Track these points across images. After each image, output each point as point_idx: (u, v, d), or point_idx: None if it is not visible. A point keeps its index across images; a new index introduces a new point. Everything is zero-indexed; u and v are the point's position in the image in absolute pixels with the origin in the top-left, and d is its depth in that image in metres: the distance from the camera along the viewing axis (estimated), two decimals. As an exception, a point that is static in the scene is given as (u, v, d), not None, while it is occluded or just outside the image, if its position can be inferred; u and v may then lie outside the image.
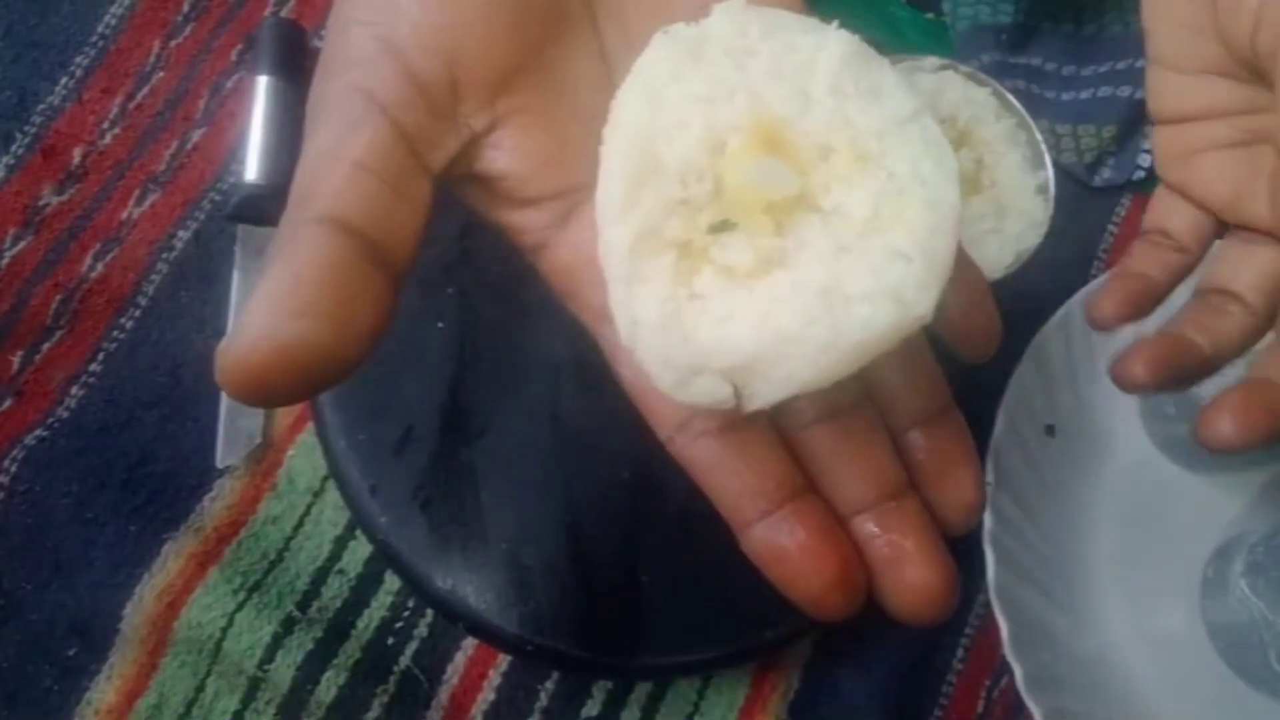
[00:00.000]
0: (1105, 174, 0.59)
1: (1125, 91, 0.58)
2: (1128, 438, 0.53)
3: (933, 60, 0.39)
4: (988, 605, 0.47)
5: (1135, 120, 0.58)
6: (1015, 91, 0.59)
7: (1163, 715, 0.49)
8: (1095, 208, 0.59)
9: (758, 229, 0.24)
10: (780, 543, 0.26)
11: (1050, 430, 0.52)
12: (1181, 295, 0.44)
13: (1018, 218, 0.39)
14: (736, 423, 0.26)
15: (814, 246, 0.24)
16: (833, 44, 0.25)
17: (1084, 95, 0.59)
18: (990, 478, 0.48)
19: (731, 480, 0.26)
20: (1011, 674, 0.46)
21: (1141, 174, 0.58)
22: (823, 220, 0.24)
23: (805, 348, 0.23)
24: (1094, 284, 0.52)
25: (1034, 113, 0.59)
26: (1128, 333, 0.53)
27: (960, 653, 0.51)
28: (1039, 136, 0.41)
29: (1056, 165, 0.58)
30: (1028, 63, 0.59)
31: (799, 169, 0.25)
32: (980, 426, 0.50)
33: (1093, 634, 0.50)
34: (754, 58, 0.25)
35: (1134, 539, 0.52)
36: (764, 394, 0.24)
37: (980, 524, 0.48)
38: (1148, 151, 0.58)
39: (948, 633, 0.51)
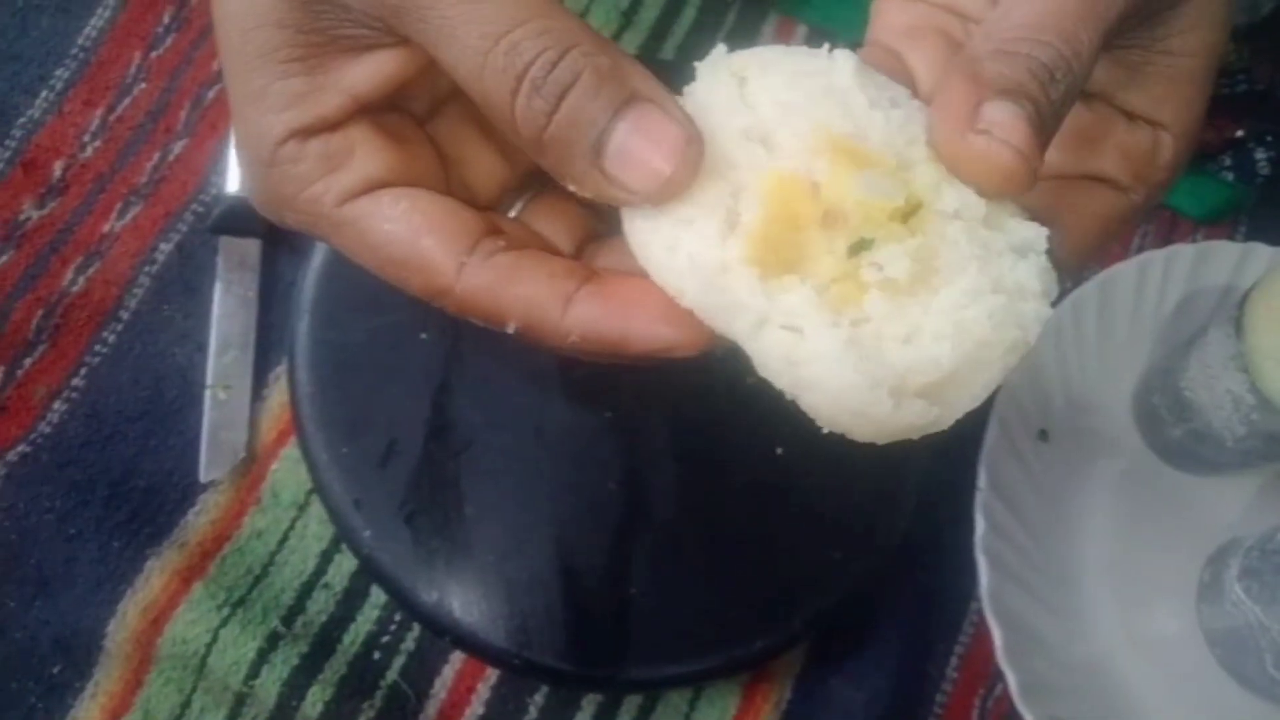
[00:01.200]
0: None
1: None
2: (1122, 442, 0.53)
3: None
4: (981, 613, 0.47)
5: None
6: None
7: (1159, 722, 0.49)
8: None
9: (895, 237, 0.25)
10: (607, 303, 0.27)
11: (1043, 435, 0.52)
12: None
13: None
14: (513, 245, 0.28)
15: (958, 248, 0.25)
16: (840, 61, 0.26)
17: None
18: (983, 484, 0.48)
19: (539, 271, 0.27)
20: (1005, 682, 0.46)
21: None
22: (946, 222, 0.25)
23: (998, 350, 0.24)
24: (1085, 287, 0.52)
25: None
26: (1123, 334, 0.53)
27: (954, 661, 0.50)
28: None
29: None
30: None
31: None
32: (973, 431, 0.50)
33: (1087, 641, 0.50)
34: (769, 91, 0.25)
35: (1128, 544, 0.51)
36: (961, 405, 0.24)
37: (973, 531, 0.47)
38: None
39: (941, 641, 0.51)
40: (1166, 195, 0.32)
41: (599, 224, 0.32)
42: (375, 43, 0.27)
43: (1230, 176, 0.59)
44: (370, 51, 0.27)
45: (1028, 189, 0.25)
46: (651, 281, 0.26)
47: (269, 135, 0.27)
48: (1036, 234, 0.26)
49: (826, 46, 0.27)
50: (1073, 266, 0.31)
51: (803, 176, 0.25)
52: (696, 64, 0.27)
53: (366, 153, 0.28)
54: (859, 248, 0.25)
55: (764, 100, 0.25)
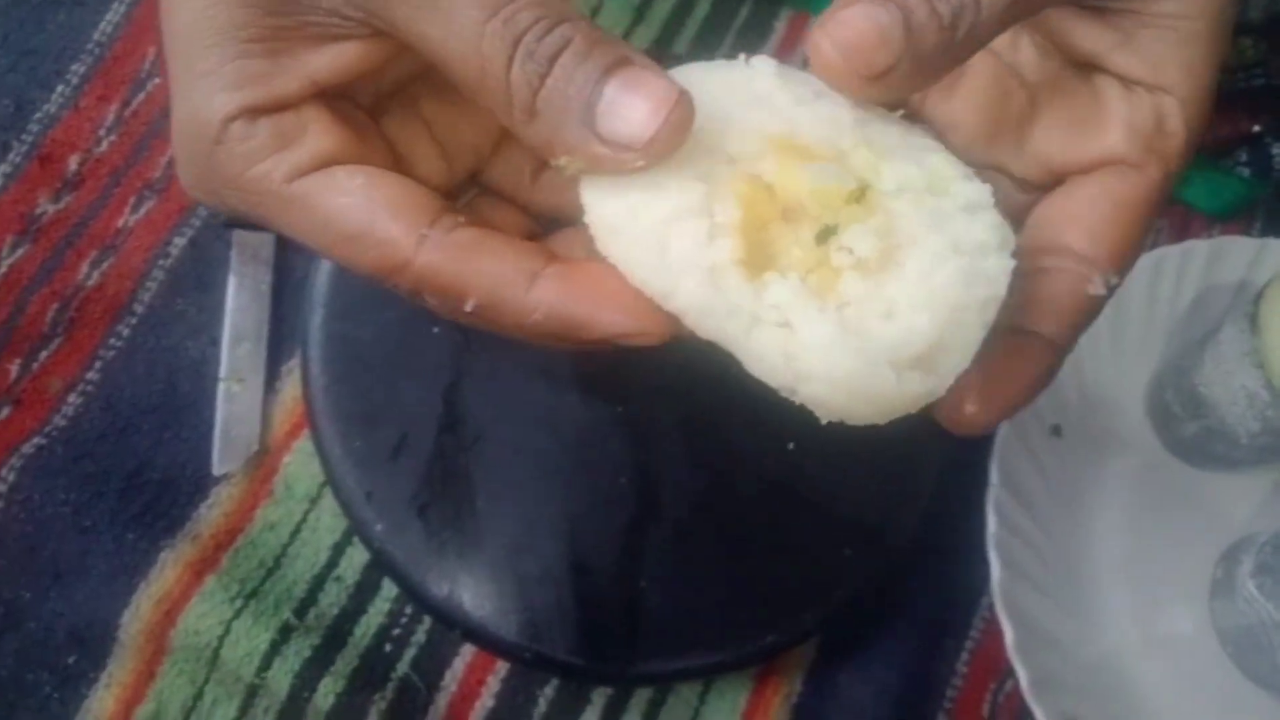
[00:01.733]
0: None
1: None
2: (1135, 438, 0.53)
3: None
4: (992, 609, 0.47)
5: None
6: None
7: (1170, 719, 0.48)
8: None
9: (855, 219, 0.25)
10: (574, 285, 0.27)
11: (1056, 431, 0.51)
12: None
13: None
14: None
15: (911, 220, 0.25)
16: (759, 66, 0.27)
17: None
18: (995, 480, 0.48)
19: (503, 248, 0.27)
20: (1016, 678, 0.45)
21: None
22: (893, 198, 0.26)
23: (973, 310, 0.25)
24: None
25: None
26: (1137, 330, 0.53)
27: (965, 656, 0.50)
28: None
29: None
30: None
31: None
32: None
33: (1099, 637, 0.50)
34: (703, 107, 0.26)
35: (1141, 541, 0.51)
36: (950, 369, 0.25)
37: (984, 527, 0.47)
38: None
39: (952, 636, 0.51)
40: (1183, 166, 0.30)
41: (536, 228, 0.32)
42: (344, 34, 0.27)
43: (1246, 172, 0.58)
44: (336, 41, 0.27)
45: (892, 85, 0.25)
46: (614, 268, 0.26)
47: (217, 112, 0.26)
48: (979, 191, 0.26)
49: (743, 56, 0.27)
50: (1119, 269, 0.29)
51: (757, 177, 0.26)
52: None
53: (319, 131, 0.27)
54: (825, 235, 0.25)
55: (701, 114, 0.25)
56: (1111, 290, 0.29)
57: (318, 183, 0.27)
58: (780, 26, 0.58)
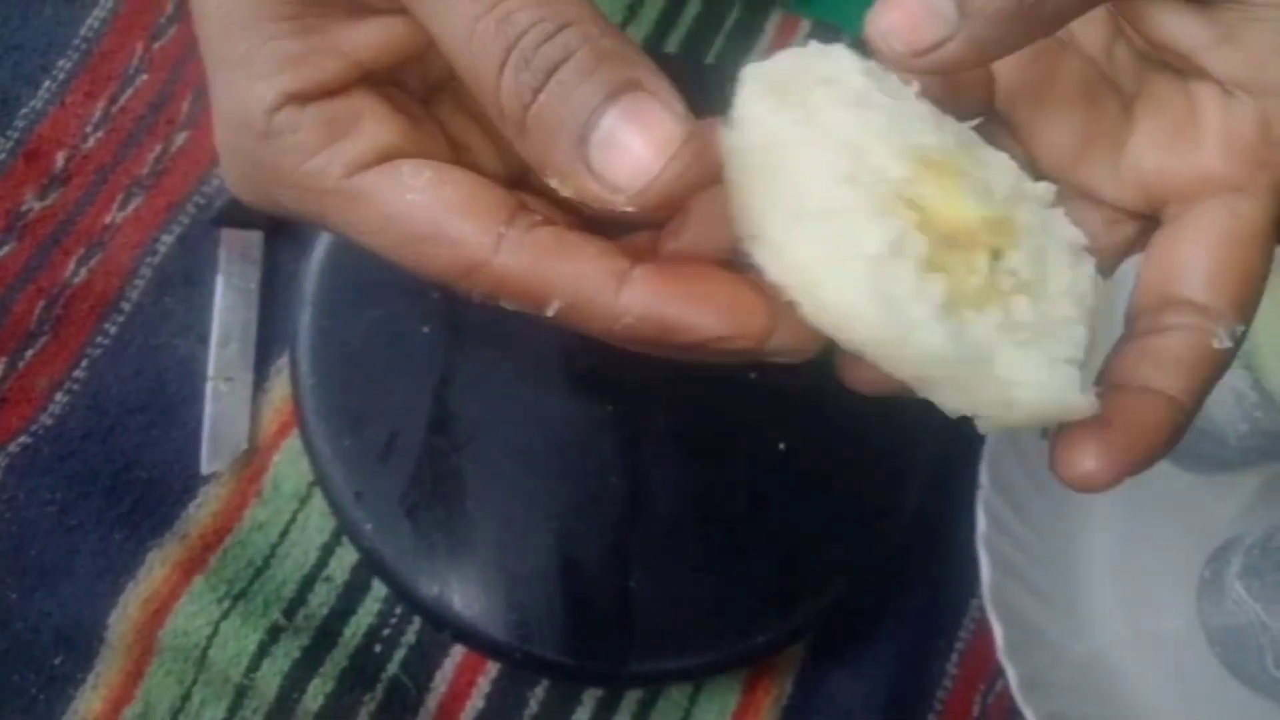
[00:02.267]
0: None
1: None
2: (1123, 438, 0.53)
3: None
4: (982, 609, 0.47)
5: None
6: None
7: (1159, 719, 0.49)
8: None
9: (1012, 243, 0.25)
10: (669, 284, 0.24)
11: (1046, 433, 0.51)
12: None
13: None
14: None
15: (1034, 234, 0.26)
16: (842, 60, 0.25)
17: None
18: (985, 481, 0.48)
19: (587, 247, 0.24)
20: (1006, 678, 0.46)
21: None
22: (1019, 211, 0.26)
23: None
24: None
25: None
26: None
27: (955, 657, 0.51)
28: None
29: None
30: None
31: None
32: (976, 428, 0.50)
33: (1088, 637, 0.50)
34: (834, 112, 0.24)
35: (1129, 541, 0.51)
36: (1092, 368, 0.26)
37: (974, 527, 0.47)
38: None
39: (942, 637, 0.51)
40: None
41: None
42: (376, 7, 0.25)
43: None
44: (372, 16, 0.25)
45: (948, 60, 0.24)
46: (713, 265, 0.24)
47: (260, 102, 0.24)
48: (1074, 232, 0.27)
49: (813, 44, 0.26)
50: (1241, 316, 0.26)
51: (915, 200, 0.24)
52: (741, 70, 0.25)
53: (374, 120, 0.25)
54: (993, 258, 0.24)
55: (834, 121, 0.24)
56: (1240, 338, 0.26)
57: (381, 178, 0.24)
58: (771, 27, 0.58)
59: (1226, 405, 0.47)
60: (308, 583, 0.48)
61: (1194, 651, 0.50)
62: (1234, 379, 0.46)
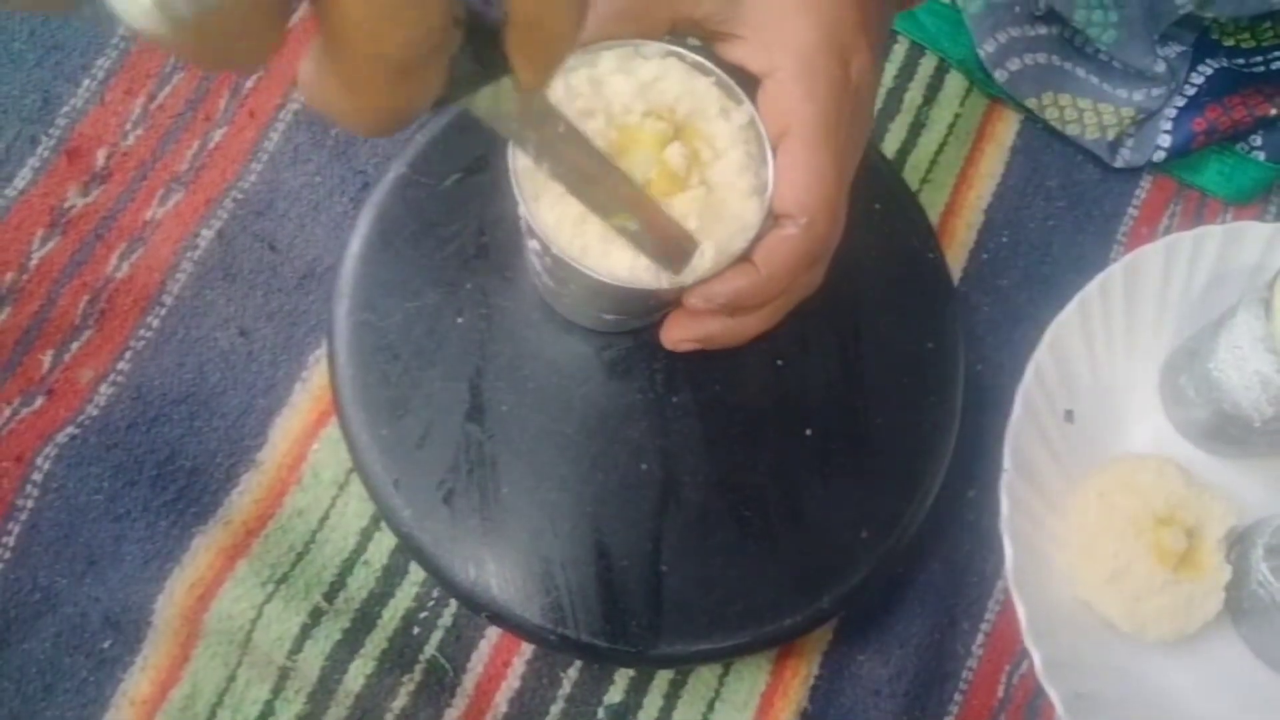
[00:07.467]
0: (1125, 155, 0.59)
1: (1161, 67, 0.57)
2: (1147, 422, 0.53)
3: (656, 46, 0.37)
4: (1007, 591, 0.48)
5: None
6: (1034, 65, 0.58)
7: (1183, 699, 0.49)
8: (1114, 191, 0.59)
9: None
10: None
11: (1069, 415, 0.52)
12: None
13: (728, 221, 0.37)
14: None
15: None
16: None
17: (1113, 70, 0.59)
18: (1008, 464, 0.48)
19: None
20: (1031, 659, 0.46)
21: (1162, 154, 0.58)
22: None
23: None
24: (1112, 268, 0.52)
25: (1053, 85, 0.58)
26: (1150, 315, 0.53)
27: (980, 638, 0.51)
28: (763, 132, 0.38)
29: (1078, 142, 0.58)
30: (1048, 33, 0.59)
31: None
32: (998, 411, 0.50)
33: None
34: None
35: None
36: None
37: (998, 511, 0.48)
38: (1168, 132, 0.58)
39: (967, 618, 0.52)
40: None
41: None
42: None
43: (1261, 156, 0.59)
44: None
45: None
46: None
47: None
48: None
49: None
50: (802, 215, 0.36)
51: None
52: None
53: None
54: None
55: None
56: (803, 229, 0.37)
57: None
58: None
59: (1252, 389, 0.47)
60: (347, 567, 0.49)
61: (1219, 633, 0.50)
62: (1259, 363, 0.46)
